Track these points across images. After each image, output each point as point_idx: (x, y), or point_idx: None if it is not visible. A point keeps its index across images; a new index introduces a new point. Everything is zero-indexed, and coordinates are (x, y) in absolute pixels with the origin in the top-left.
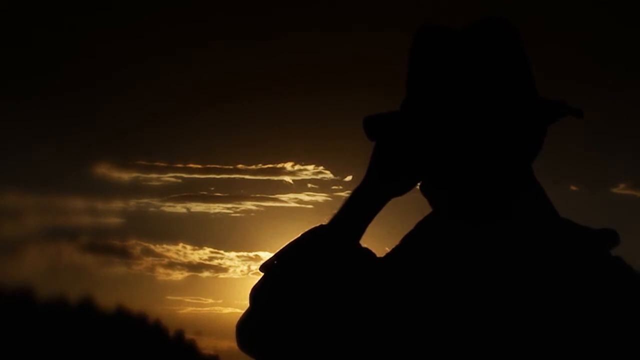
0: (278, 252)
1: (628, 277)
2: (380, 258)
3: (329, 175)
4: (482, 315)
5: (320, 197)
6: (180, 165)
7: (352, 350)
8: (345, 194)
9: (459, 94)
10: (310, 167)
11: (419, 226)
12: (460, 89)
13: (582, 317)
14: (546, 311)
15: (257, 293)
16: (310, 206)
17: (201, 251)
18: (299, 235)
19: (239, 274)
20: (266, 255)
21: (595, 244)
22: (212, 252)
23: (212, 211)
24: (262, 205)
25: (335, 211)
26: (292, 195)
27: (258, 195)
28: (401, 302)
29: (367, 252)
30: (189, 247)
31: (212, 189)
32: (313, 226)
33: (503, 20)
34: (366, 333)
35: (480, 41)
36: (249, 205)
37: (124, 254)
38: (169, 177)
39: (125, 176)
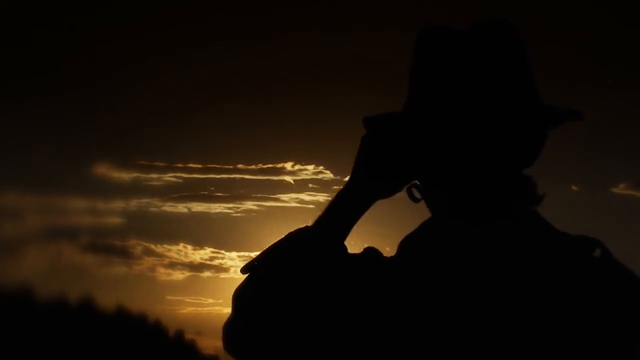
0: (261, 253)
1: (625, 278)
2: (387, 257)
3: (329, 175)
4: (481, 315)
5: (321, 197)
6: (180, 165)
7: (341, 351)
8: None
9: (460, 96)
10: (310, 167)
11: (423, 227)
12: (461, 91)
13: (582, 318)
14: (546, 312)
15: (240, 295)
16: (311, 206)
17: (202, 251)
18: (283, 236)
19: (240, 274)
20: None
21: (585, 246)
22: (213, 252)
23: (213, 211)
24: (263, 205)
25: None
26: (293, 195)
27: (259, 195)
28: (401, 302)
29: (374, 251)
30: (189, 247)
31: (212, 188)
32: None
33: (505, 22)
34: (355, 334)
35: (483, 44)
36: (249, 205)
37: (125, 254)
38: (169, 177)
39: (126, 176)
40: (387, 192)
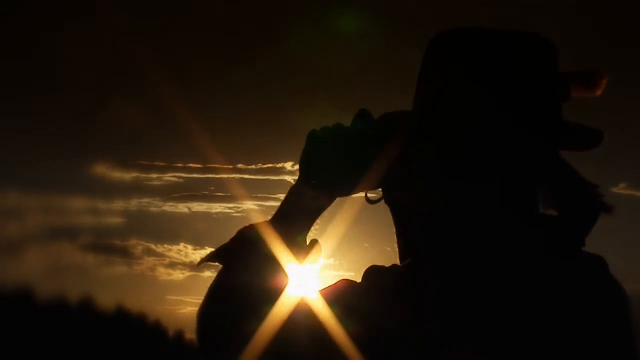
0: (221, 247)
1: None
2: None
3: None
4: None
5: None
6: (180, 165)
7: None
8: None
9: (467, 102)
10: None
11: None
12: (469, 99)
13: (575, 322)
14: (543, 315)
15: (210, 290)
16: None
17: (203, 251)
18: (238, 230)
19: None
20: None
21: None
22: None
23: (213, 211)
24: (263, 205)
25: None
26: None
27: (260, 195)
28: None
29: (376, 270)
30: (190, 247)
31: (213, 188)
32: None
33: (541, 36)
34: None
35: (502, 52)
36: (250, 205)
37: (125, 254)
38: (169, 177)
39: (126, 176)
40: (350, 192)
